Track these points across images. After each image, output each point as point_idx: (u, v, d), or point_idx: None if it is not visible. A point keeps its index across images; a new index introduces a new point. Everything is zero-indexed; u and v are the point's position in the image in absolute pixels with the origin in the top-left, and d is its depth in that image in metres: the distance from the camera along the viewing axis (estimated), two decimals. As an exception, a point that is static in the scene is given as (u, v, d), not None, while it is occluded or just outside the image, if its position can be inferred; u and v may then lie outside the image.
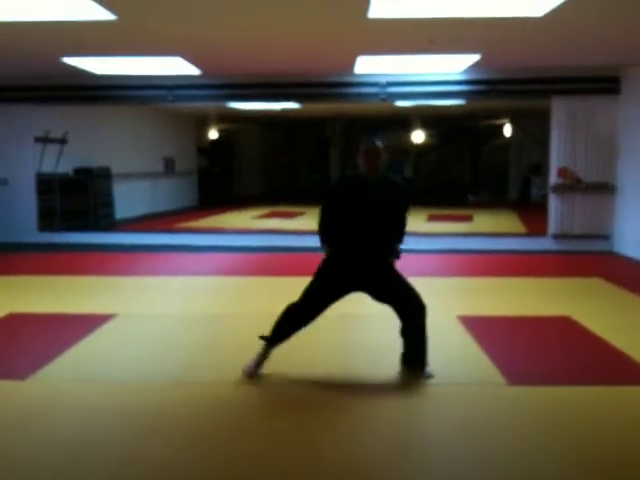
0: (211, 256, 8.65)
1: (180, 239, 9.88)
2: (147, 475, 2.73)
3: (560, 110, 8.83)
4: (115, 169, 12.08)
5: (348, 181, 3.94)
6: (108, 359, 4.24)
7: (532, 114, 13.66)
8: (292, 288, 4.02)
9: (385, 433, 3.12)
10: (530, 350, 4.42)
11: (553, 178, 8.94)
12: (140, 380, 3.84)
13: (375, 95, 9.02)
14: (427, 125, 15.65)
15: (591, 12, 5.49)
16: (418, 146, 16.62)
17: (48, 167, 10.24)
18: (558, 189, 8.91)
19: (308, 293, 3.80)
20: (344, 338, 4.64)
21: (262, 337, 3.85)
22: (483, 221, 12.89)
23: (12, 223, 9.55)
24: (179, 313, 5.46)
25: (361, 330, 4.85)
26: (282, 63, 8.11)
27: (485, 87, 8.86)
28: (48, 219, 10.14)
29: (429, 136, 16.95)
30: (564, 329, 4.98)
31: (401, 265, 3.86)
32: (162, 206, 14.15)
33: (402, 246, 3.85)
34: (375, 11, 5.23)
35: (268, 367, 3.84)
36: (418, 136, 15.58)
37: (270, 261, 8.31)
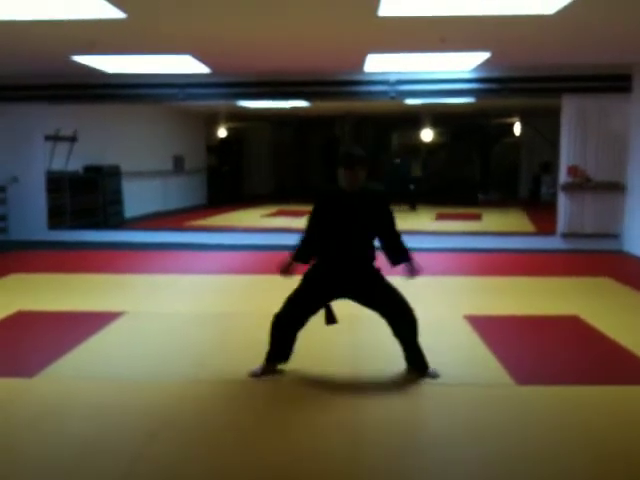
0: (220, 254, 8.67)
1: (189, 237, 9.91)
2: (157, 473, 2.74)
3: (571, 108, 8.77)
4: (125, 167, 12.14)
5: (327, 197, 3.77)
6: (117, 357, 4.26)
7: (543, 112, 13.61)
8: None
9: (393, 433, 3.12)
10: (538, 350, 4.40)
11: (563, 177, 8.90)
12: (149, 378, 3.85)
13: (385, 93, 9.01)
14: (437, 123, 15.62)
15: (603, 9, 5.46)
16: (428, 144, 16.56)
17: (58, 165, 10.30)
18: (568, 188, 8.86)
19: (292, 300, 3.77)
20: (352, 338, 4.64)
21: (266, 356, 3.84)
22: (492, 220, 12.84)
23: (22, 221, 9.62)
24: (188, 311, 5.48)
25: (368, 330, 4.84)
26: (291, 61, 8.11)
27: (495, 85, 8.82)
28: (58, 217, 10.21)
29: (439, 134, 16.92)
30: (573, 329, 4.96)
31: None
32: (171, 204, 14.20)
33: (409, 245, 3.81)
34: (385, 9, 5.22)
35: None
36: (428, 134, 15.54)
37: (279, 259, 8.27)
